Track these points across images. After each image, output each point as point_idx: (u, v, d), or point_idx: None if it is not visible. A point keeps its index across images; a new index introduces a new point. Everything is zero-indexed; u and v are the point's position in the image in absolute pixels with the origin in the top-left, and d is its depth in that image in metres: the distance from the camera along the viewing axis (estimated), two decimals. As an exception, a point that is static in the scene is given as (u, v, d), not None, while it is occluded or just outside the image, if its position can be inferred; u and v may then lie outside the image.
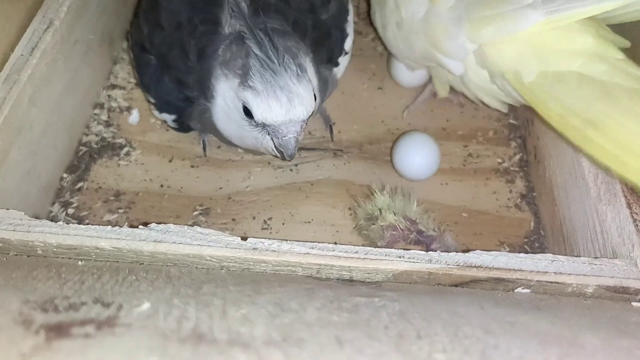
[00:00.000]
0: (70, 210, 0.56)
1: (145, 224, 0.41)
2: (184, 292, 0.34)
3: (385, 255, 0.40)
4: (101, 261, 0.40)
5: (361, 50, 0.72)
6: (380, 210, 0.51)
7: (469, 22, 0.52)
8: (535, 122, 0.61)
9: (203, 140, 0.60)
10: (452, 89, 0.62)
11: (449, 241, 0.50)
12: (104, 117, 0.64)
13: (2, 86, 0.49)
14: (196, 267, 0.40)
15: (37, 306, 0.29)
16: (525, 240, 0.56)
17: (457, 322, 0.32)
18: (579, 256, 0.41)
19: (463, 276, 0.39)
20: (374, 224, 0.51)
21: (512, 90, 0.52)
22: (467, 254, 0.40)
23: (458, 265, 0.39)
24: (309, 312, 0.32)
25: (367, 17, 0.73)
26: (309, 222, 0.56)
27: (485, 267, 0.39)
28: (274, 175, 0.60)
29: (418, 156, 0.57)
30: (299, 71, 0.46)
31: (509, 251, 0.48)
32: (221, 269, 0.40)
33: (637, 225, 0.43)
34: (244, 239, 0.40)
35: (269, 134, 0.47)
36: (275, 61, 0.45)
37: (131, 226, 0.41)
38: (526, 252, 0.44)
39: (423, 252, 0.40)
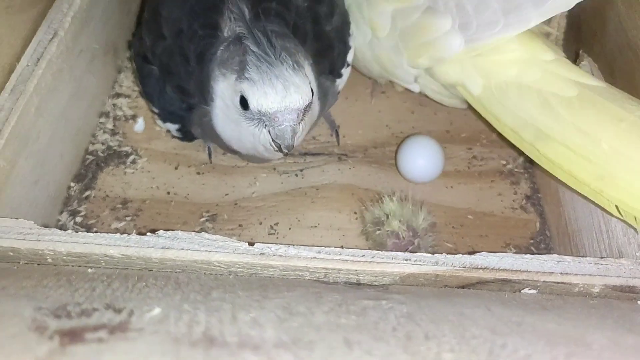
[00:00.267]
0: (79, 219, 0.56)
1: (153, 231, 0.41)
2: (193, 297, 0.34)
3: (392, 258, 0.40)
4: (110, 268, 0.41)
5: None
6: (387, 215, 0.52)
7: (406, 50, 0.54)
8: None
9: (208, 147, 0.61)
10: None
11: None
12: (109, 125, 0.65)
13: (9, 97, 0.49)
14: (204, 273, 0.41)
15: (50, 313, 0.30)
16: (531, 241, 0.56)
17: (464, 323, 0.33)
18: (585, 256, 0.41)
19: (469, 278, 0.40)
20: (379, 229, 0.52)
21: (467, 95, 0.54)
22: (473, 256, 0.40)
23: (464, 267, 0.39)
24: (317, 316, 0.32)
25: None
26: (315, 226, 0.56)
27: (492, 269, 0.40)
28: (280, 181, 0.60)
29: (422, 158, 0.57)
30: (295, 65, 0.46)
31: (515, 252, 0.49)
32: (229, 275, 0.41)
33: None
34: (252, 244, 0.40)
35: (265, 125, 0.47)
36: (272, 56, 0.45)
37: (139, 233, 0.41)
38: (532, 253, 0.44)
39: (429, 255, 0.40)
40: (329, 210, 0.57)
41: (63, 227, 0.55)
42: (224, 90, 0.49)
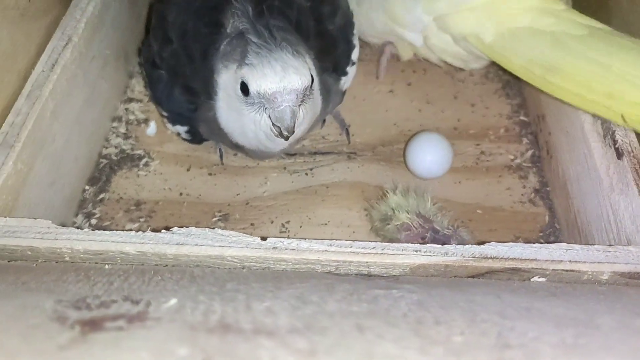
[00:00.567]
0: (93, 221, 0.57)
1: (167, 229, 0.42)
2: (208, 289, 0.35)
3: (402, 249, 0.41)
4: (127, 265, 0.42)
5: (372, 56, 0.73)
6: (393, 210, 0.52)
7: None
8: (546, 118, 0.61)
9: (220, 149, 0.62)
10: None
11: (464, 238, 0.51)
12: (122, 129, 0.66)
13: (25, 102, 0.50)
14: (218, 268, 0.41)
15: (70, 305, 0.31)
16: (541, 234, 0.56)
17: (474, 309, 0.33)
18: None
19: (479, 267, 0.40)
20: (388, 225, 0.52)
21: (475, 50, 0.57)
22: (482, 246, 0.41)
23: (474, 257, 0.40)
24: (329, 304, 0.33)
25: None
26: (326, 224, 0.57)
27: (501, 258, 0.40)
28: (290, 180, 0.61)
29: (430, 154, 0.58)
30: (295, 52, 0.47)
31: (525, 244, 0.49)
32: (243, 269, 0.41)
33: (649, 212, 0.43)
34: (264, 238, 0.41)
35: (265, 109, 0.47)
36: (272, 44, 0.46)
37: (153, 231, 0.42)
38: (541, 244, 0.44)
39: (439, 246, 0.41)
40: (339, 208, 0.58)
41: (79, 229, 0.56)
42: (226, 81, 0.50)
